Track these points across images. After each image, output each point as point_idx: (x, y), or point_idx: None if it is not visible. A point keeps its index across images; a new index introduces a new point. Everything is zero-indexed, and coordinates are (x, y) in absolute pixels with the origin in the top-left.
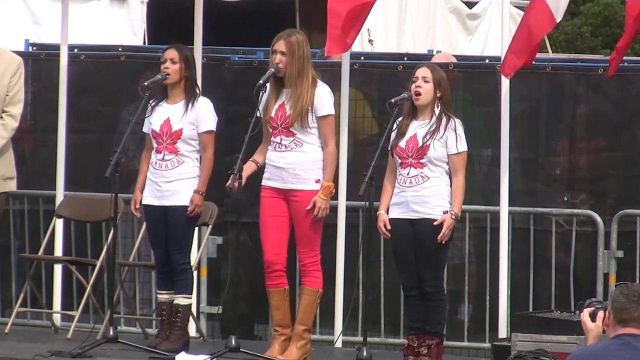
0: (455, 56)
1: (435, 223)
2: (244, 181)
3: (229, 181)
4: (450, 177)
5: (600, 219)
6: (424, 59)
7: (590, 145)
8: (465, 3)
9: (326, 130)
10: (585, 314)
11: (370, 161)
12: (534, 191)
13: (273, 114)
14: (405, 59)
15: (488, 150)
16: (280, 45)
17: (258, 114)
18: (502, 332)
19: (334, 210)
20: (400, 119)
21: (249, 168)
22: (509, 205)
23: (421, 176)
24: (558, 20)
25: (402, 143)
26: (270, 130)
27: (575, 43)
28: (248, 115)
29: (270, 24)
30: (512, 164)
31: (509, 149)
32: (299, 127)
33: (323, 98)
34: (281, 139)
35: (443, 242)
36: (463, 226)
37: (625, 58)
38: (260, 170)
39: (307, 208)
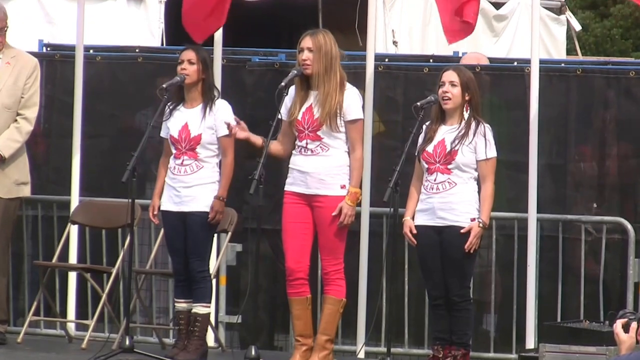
0: None
1: (462, 231)
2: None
3: (251, 188)
4: (478, 184)
5: (630, 226)
6: (450, 61)
7: (620, 150)
8: (493, 4)
9: (354, 135)
10: (618, 326)
11: (395, 167)
12: (563, 198)
13: (300, 117)
14: (431, 61)
15: (515, 156)
16: (306, 41)
17: (279, 117)
18: (530, 342)
19: (357, 216)
20: (427, 123)
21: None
22: (537, 212)
23: (448, 182)
24: None
25: (430, 148)
26: (296, 133)
27: (605, 46)
28: (269, 118)
29: (292, 25)
30: (541, 170)
31: (537, 154)
32: (327, 129)
33: (352, 102)
34: (307, 143)
35: (471, 251)
36: (489, 233)
37: None
38: (281, 177)
39: (333, 214)
